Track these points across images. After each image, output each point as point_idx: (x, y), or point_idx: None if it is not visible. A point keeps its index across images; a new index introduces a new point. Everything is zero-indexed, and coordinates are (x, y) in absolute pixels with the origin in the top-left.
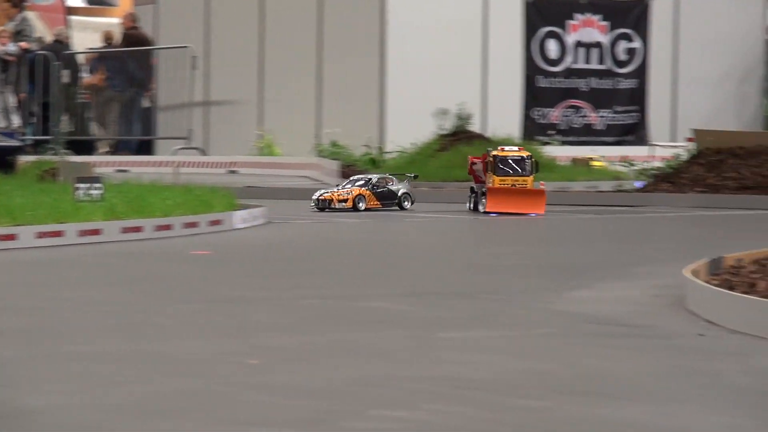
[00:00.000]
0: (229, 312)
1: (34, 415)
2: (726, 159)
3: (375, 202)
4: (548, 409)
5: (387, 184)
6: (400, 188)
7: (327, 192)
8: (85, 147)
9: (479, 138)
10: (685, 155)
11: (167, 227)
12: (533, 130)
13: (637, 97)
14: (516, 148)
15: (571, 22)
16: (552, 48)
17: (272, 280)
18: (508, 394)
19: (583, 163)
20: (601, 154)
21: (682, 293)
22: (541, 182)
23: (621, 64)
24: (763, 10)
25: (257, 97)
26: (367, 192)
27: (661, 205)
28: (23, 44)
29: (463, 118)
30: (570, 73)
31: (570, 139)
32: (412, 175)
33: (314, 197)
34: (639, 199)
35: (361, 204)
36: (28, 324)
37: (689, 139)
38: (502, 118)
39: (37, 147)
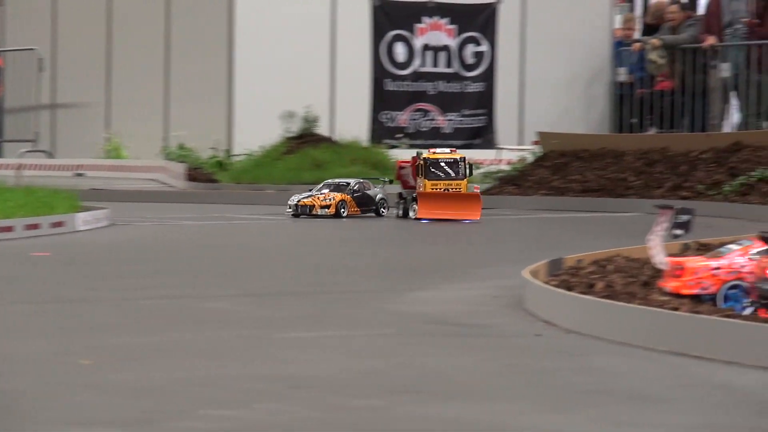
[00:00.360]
0: (66, 312)
1: None
2: (570, 162)
3: (355, 209)
4: (381, 408)
5: (365, 189)
6: (377, 193)
7: (305, 197)
8: None
9: (326, 141)
10: (531, 158)
11: (8, 229)
12: (381, 134)
13: (484, 101)
14: (448, 150)
15: (419, 25)
16: (400, 51)
17: (112, 281)
18: (342, 394)
19: None
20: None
21: (522, 294)
22: (476, 186)
23: (469, 67)
24: (610, 13)
25: (105, 99)
26: (348, 198)
27: (506, 207)
28: None
29: (310, 121)
30: (418, 76)
31: (418, 142)
32: (386, 180)
33: (291, 202)
34: (484, 202)
35: (343, 210)
36: None
37: (535, 142)
38: (350, 120)
39: None
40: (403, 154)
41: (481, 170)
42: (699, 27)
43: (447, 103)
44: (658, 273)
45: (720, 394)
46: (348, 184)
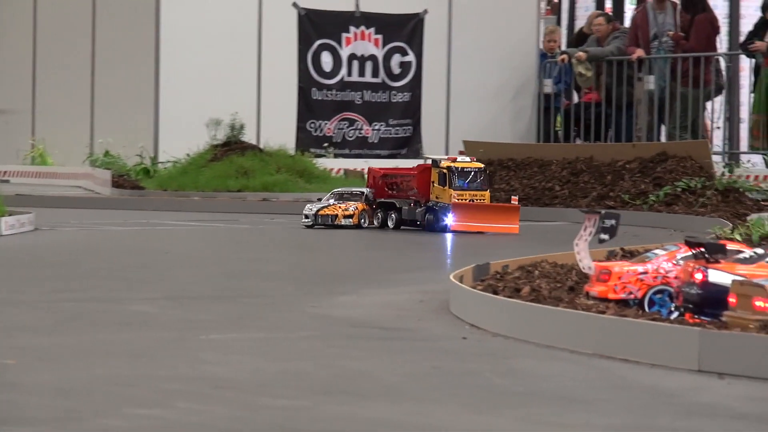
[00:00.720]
0: None
1: None
2: (496, 171)
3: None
4: (303, 408)
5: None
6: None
7: (325, 206)
8: None
9: (252, 148)
10: None
11: None
12: (308, 142)
13: (411, 111)
14: (468, 159)
15: (346, 35)
16: (326, 60)
17: (33, 284)
18: (263, 394)
19: (356, 175)
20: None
21: (447, 298)
22: (514, 197)
23: (395, 77)
24: (537, 25)
25: (30, 105)
26: (367, 207)
27: None
28: None
29: (236, 129)
30: (344, 85)
31: (344, 151)
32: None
33: (308, 212)
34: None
35: (364, 221)
36: None
37: (461, 152)
38: (277, 129)
39: None
40: (329, 163)
41: None
42: (625, 39)
43: (374, 112)
44: (583, 278)
45: (647, 396)
46: (363, 193)
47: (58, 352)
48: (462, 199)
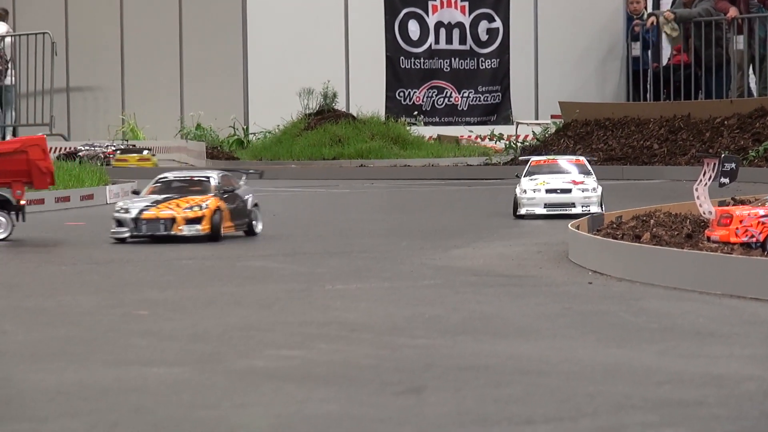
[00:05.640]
0: (110, 272)
1: None
2: (593, 131)
3: (229, 223)
4: (443, 345)
5: (233, 189)
6: (247, 198)
7: (151, 205)
8: None
9: (346, 116)
10: (553, 128)
11: (40, 201)
12: (397, 111)
13: (499, 77)
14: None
15: (432, 2)
16: (413, 29)
17: (141, 245)
18: (400, 335)
19: (450, 141)
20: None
21: (565, 248)
22: None
23: (482, 44)
24: None
25: (119, 82)
26: (223, 205)
27: None
28: None
29: (329, 97)
30: (432, 53)
31: (434, 119)
32: (257, 171)
33: (124, 215)
34: (507, 172)
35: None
36: None
37: (554, 117)
38: (366, 98)
39: None
40: (421, 130)
41: (503, 140)
42: (712, 1)
43: (462, 80)
44: (700, 226)
45: None
46: (208, 179)
47: (187, 304)
48: None
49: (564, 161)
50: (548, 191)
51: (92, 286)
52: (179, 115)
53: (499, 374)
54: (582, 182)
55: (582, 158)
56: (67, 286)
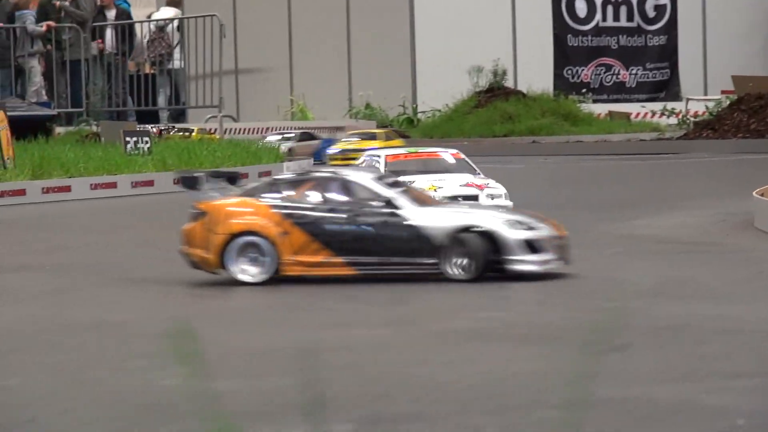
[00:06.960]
0: None
1: None
2: None
3: None
4: (637, 308)
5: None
6: None
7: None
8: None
9: (516, 94)
10: (724, 103)
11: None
12: (565, 89)
13: (667, 53)
14: None
15: None
16: (580, 6)
17: None
18: (590, 298)
19: (621, 117)
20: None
21: (749, 217)
22: None
23: (650, 20)
24: None
25: (287, 63)
26: None
27: (702, 151)
28: (50, 23)
29: (499, 75)
30: (599, 31)
31: (602, 97)
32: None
33: None
34: (680, 147)
35: None
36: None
37: (724, 92)
38: (533, 76)
39: (69, 117)
40: (590, 107)
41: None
42: None
43: (630, 57)
44: None
45: None
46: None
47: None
48: None
49: None
50: None
51: None
52: (348, 95)
53: (699, 333)
54: None
55: None
56: None
